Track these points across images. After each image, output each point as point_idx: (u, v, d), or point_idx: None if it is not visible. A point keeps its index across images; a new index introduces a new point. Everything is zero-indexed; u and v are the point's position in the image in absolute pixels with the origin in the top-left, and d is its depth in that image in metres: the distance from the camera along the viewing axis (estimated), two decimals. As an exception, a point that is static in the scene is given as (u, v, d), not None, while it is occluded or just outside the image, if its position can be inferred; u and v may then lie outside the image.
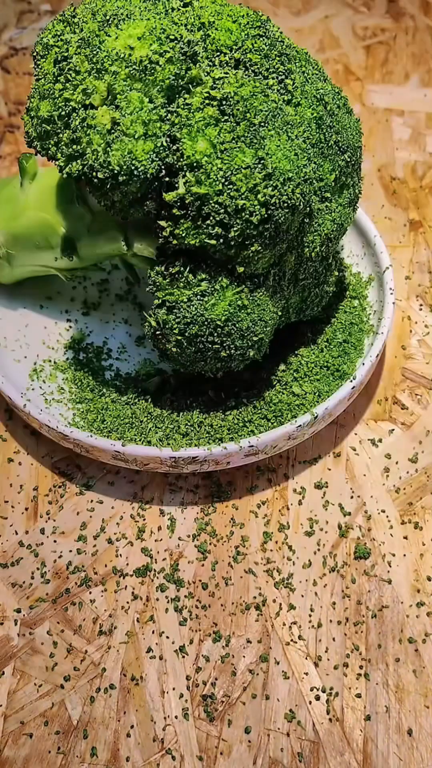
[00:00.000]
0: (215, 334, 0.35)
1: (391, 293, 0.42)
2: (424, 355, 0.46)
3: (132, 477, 0.41)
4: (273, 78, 0.33)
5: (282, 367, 0.41)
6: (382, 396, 0.44)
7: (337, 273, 0.41)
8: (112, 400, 0.41)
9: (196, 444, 0.38)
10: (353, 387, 0.39)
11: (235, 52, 0.33)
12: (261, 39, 0.33)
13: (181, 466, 0.38)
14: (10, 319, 0.45)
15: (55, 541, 0.39)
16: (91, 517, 0.40)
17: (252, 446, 0.37)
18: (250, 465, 0.42)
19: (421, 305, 0.48)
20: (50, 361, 0.43)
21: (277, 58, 0.34)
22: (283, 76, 0.34)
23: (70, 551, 0.39)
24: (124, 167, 0.32)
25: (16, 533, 0.40)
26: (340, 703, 0.34)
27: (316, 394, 0.40)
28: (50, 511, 0.40)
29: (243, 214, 0.32)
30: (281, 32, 0.35)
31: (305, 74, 0.36)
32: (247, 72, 0.33)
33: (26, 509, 0.40)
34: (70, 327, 0.46)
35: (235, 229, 0.32)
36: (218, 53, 0.33)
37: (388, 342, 0.47)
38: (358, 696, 0.34)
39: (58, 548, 0.39)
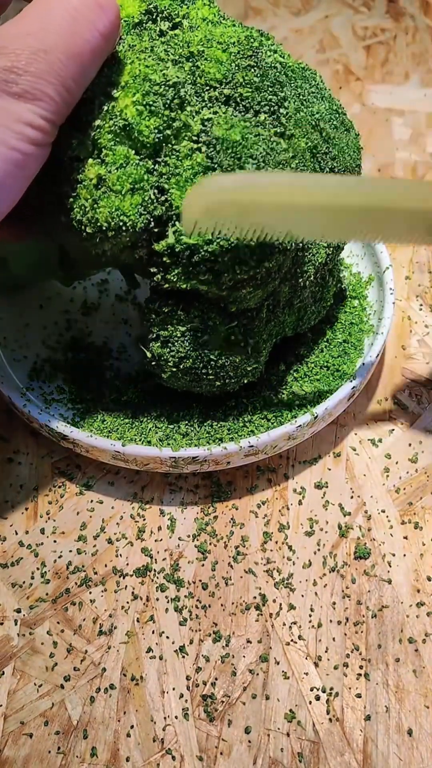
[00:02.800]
0: (209, 367, 0.35)
1: (391, 293, 0.42)
2: (424, 355, 0.46)
3: (132, 477, 0.41)
4: (265, 112, 0.32)
5: (282, 367, 0.41)
6: (382, 396, 0.44)
7: (334, 287, 0.41)
8: (112, 400, 0.41)
9: (196, 444, 0.38)
10: (353, 387, 0.39)
11: (224, 87, 0.31)
12: (252, 70, 0.32)
13: (181, 466, 0.38)
14: (10, 319, 0.45)
15: (55, 541, 0.39)
16: (91, 517, 0.40)
17: (252, 446, 0.37)
18: (250, 465, 0.42)
19: (421, 305, 0.48)
20: (50, 360, 0.43)
21: (270, 89, 0.32)
22: (276, 107, 0.32)
23: (70, 551, 0.39)
24: (112, 223, 0.31)
25: (16, 533, 0.40)
26: (340, 703, 0.34)
27: (316, 394, 0.40)
28: (50, 511, 0.40)
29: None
30: (275, 52, 0.33)
31: (301, 96, 0.35)
32: (237, 107, 0.31)
33: (26, 509, 0.40)
34: (70, 327, 0.46)
35: (226, 275, 0.32)
36: (208, 88, 0.31)
37: (388, 342, 0.47)
38: (358, 696, 0.34)
39: (58, 548, 0.39)
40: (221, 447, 0.37)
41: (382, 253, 0.44)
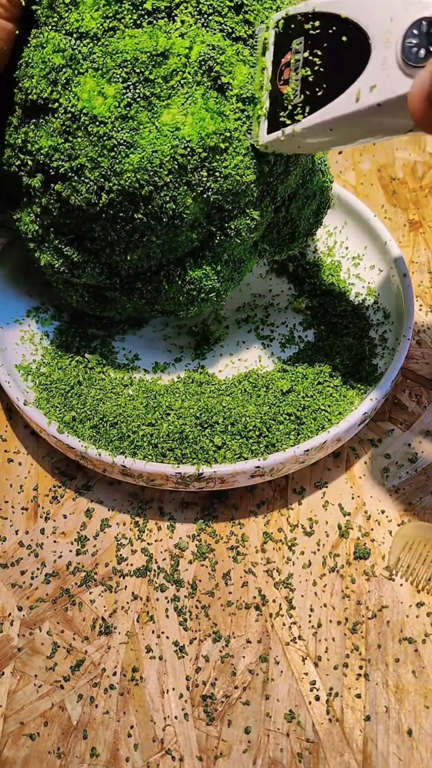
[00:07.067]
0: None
1: (409, 329, 0.42)
2: (423, 355, 0.46)
3: (132, 477, 0.41)
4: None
5: (291, 396, 0.41)
6: (382, 396, 0.44)
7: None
8: (121, 414, 0.40)
9: (200, 462, 0.38)
10: (365, 413, 0.39)
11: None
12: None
13: (187, 482, 0.38)
14: (13, 327, 0.45)
15: (55, 541, 0.39)
16: (91, 517, 0.40)
17: (258, 467, 0.37)
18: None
19: (421, 305, 0.48)
20: (50, 365, 0.43)
21: None
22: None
23: (70, 551, 0.39)
24: None
25: (16, 533, 0.40)
26: (339, 703, 0.34)
27: (326, 420, 0.39)
28: (50, 511, 0.40)
29: None
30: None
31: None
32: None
33: (26, 509, 0.40)
34: (78, 339, 0.45)
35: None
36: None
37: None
38: (358, 696, 0.34)
39: (58, 548, 0.39)
40: (228, 466, 0.37)
41: (407, 288, 0.44)
